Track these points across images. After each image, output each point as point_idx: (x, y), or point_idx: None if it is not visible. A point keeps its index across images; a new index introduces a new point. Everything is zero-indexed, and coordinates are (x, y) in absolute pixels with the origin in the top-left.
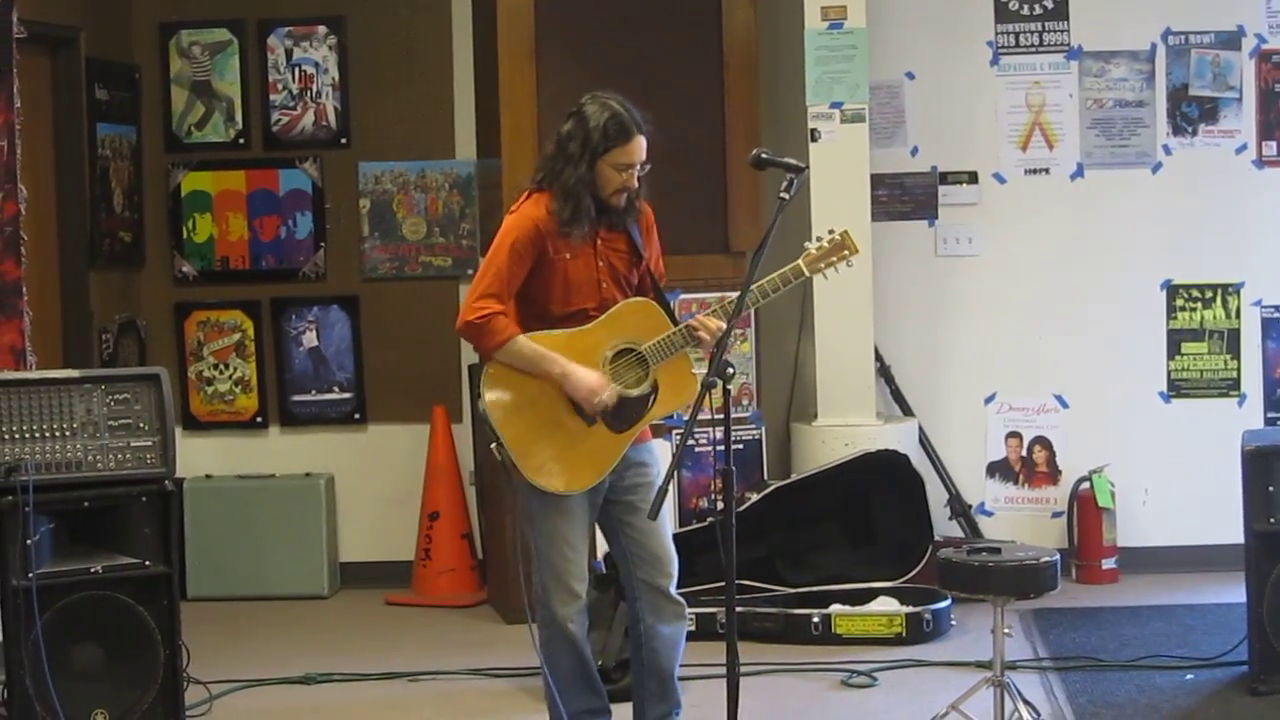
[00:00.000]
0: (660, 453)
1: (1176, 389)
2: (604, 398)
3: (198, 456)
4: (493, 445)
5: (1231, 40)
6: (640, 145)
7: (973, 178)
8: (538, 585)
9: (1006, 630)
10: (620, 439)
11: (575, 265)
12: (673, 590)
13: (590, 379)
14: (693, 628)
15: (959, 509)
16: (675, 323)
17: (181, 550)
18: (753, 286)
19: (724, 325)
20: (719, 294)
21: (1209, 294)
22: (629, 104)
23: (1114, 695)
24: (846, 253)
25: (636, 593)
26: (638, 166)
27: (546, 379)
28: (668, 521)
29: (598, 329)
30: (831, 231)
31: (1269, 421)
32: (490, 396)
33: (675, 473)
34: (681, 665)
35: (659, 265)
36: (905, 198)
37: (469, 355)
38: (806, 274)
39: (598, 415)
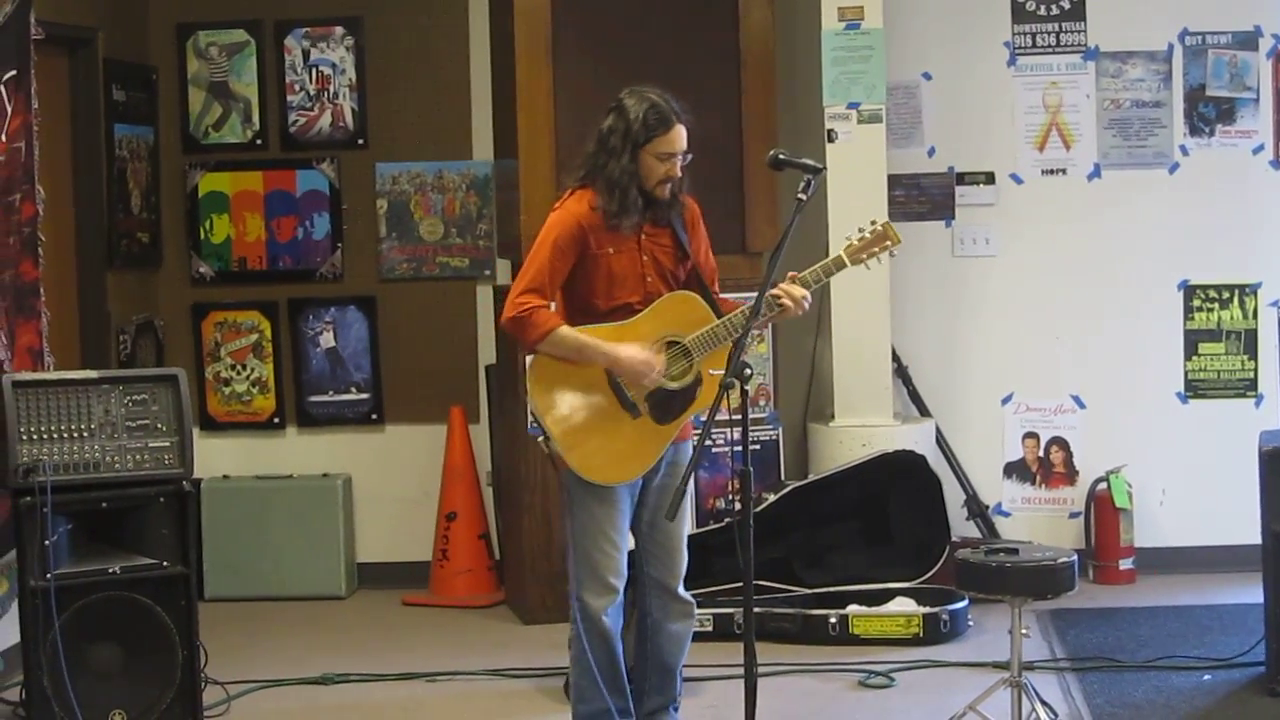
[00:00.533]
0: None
1: (1194, 389)
2: (656, 373)
3: (215, 457)
4: (540, 438)
5: (1249, 41)
6: (681, 134)
7: (990, 178)
8: (573, 579)
9: (1024, 631)
10: (665, 430)
11: (619, 260)
12: (681, 590)
13: (636, 355)
14: (710, 628)
15: (976, 509)
16: (719, 316)
17: (199, 551)
18: (797, 276)
19: (808, 294)
20: (736, 295)
21: (1226, 294)
22: (667, 94)
23: (1131, 696)
24: (889, 243)
25: (646, 588)
26: (680, 155)
27: (591, 366)
28: (686, 522)
29: (641, 322)
30: (874, 222)
31: None
32: (535, 389)
33: (693, 473)
34: (700, 666)
35: (709, 259)
36: (922, 198)
37: (486, 356)
38: (849, 264)
39: (643, 408)
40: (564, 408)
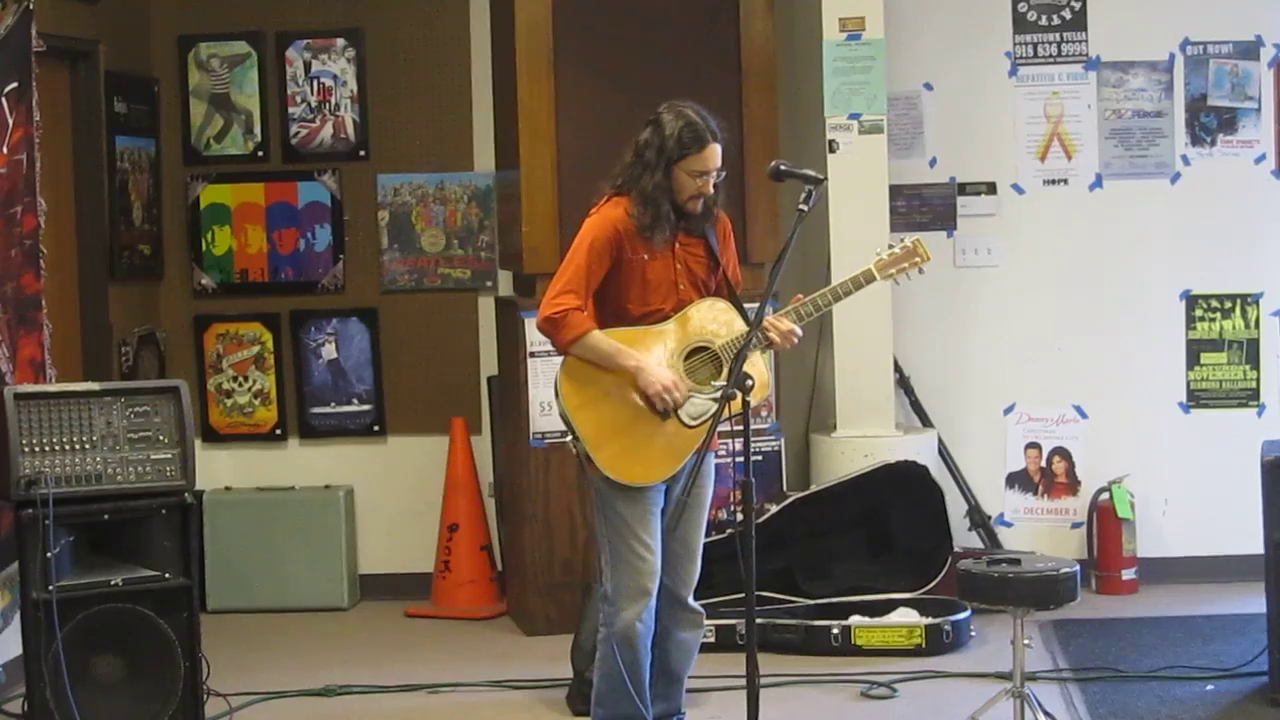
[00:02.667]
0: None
1: (1196, 399)
2: (676, 396)
3: (217, 469)
4: (569, 439)
5: (1250, 50)
6: (715, 152)
7: (991, 188)
8: (607, 583)
9: (1026, 641)
10: (694, 434)
11: (653, 266)
12: (691, 599)
13: (663, 376)
14: (712, 639)
15: (978, 520)
16: (749, 323)
17: (201, 562)
18: (825, 289)
19: (795, 328)
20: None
21: (1228, 304)
22: (704, 112)
23: (1134, 706)
24: (918, 260)
25: (658, 596)
26: (713, 173)
27: (621, 372)
28: (700, 533)
29: (673, 327)
30: (903, 239)
31: None
32: (565, 390)
33: (691, 483)
34: (703, 677)
35: (736, 272)
36: (924, 209)
37: (488, 367)
38: (878, 278)
39: (671, 411)
40: (593, 408)
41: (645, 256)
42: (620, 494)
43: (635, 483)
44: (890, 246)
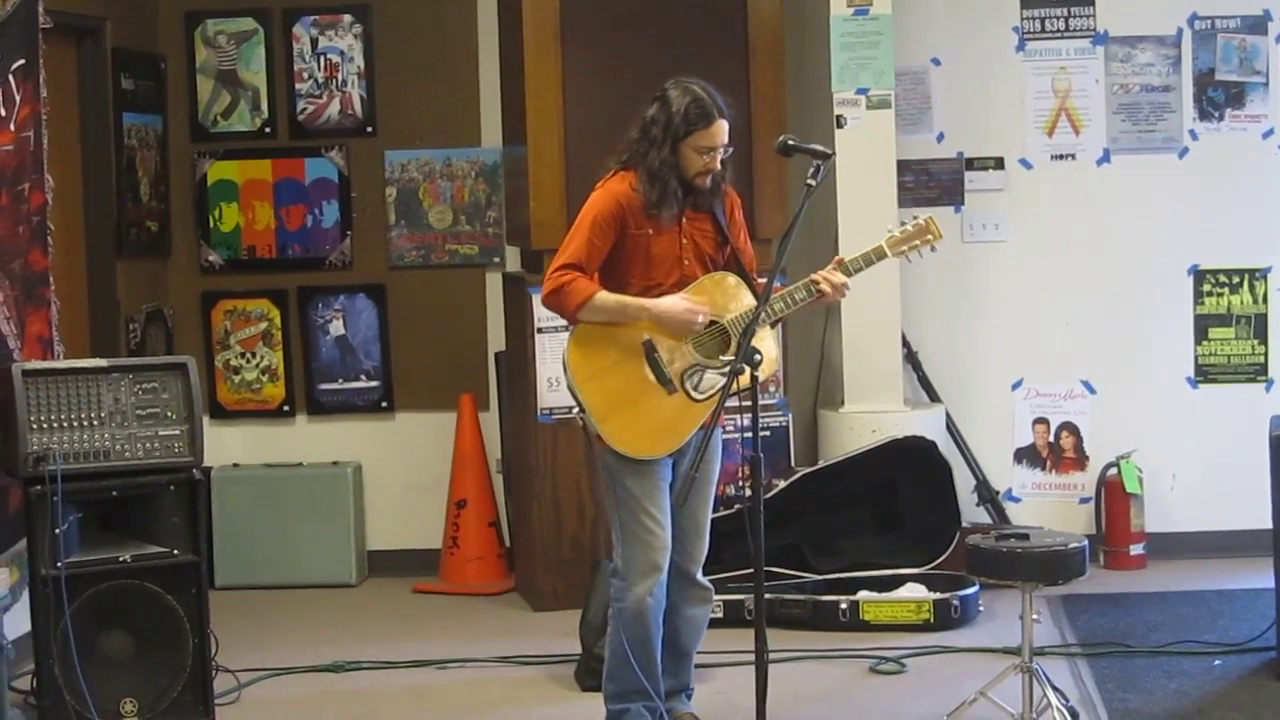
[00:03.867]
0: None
1: (1204, 374)
2: (701, 319)
3: (225, 445)
4: (576, 412)
5: (1258, 25)
6: (722, 129)
7: (999, 163)
8: (617, 558)
9: (1035, 616)
10: (701, 407)
11: (659, 241)
12: (700, 575)
13: (679, 303)
14: (721, 615)
15: (986, 495)
16: (758, 297)
17: (209, 539)
18: (843, 261)
19: (847, 281)
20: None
21: (1236, 279)
22: (711, 88)
23: (1142, 681)
24: (930, 238)
25: (668, 572)
26: (720, 149)
27: (629, 339)
28: (709, 508)
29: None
30: (916, 217)
31: None
32: (572, 362)
33: (699, 458)
34: (711, 652)
35: (747, 246)
36: (931, 184)
37: (496, 343)
38: (889, 255)
39: (679, 384)
40: (600, 381)
41: (650, 232)
42: (628, 468)
43: (641, 455)
44: (902, 223)
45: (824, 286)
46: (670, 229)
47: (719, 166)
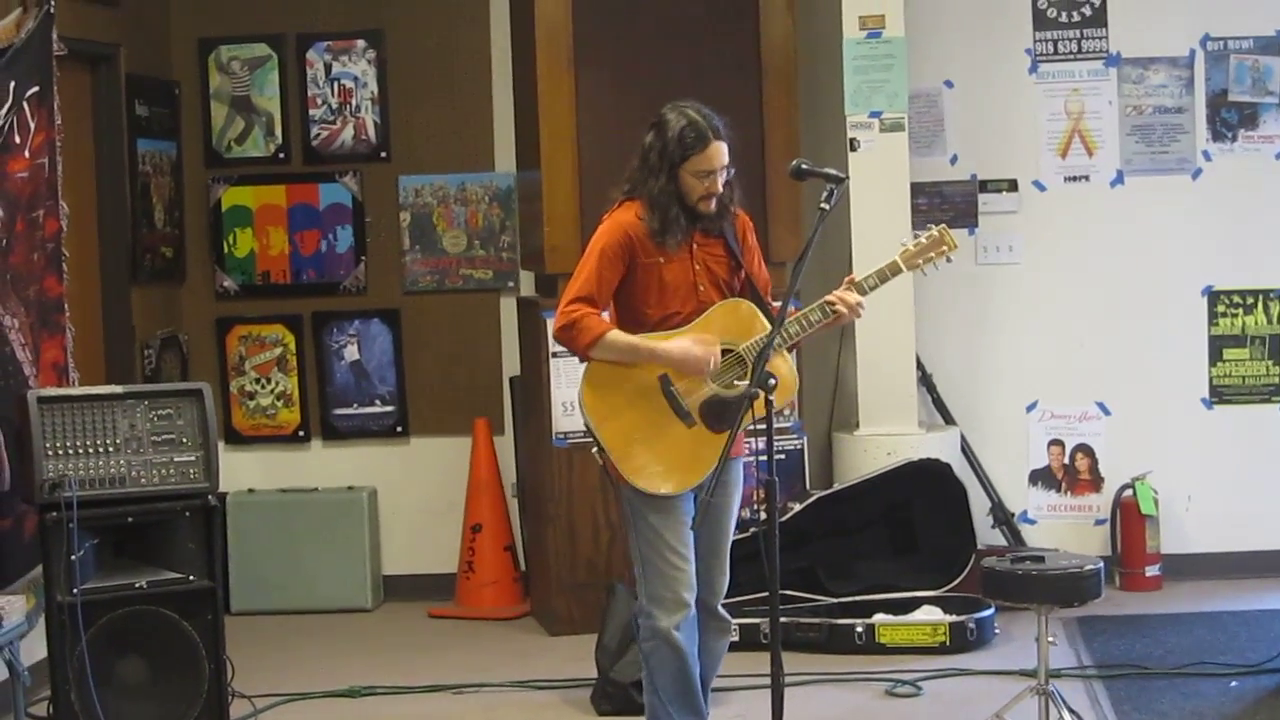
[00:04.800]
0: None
1: (1219, 395)
2: (714, 360)
3: (240, 471)
4: (594, 449)
5: (1271, 45)
6: (719, 151)
7: (1012, 186)
8: (642, 596)
9: (1050, 639)
10: (720, 438)
11: (670, 270)
12: (720, 608)
13: (691, 347)
14: (736, 638)
15: (1001, 517)
16: (773, 322)
17: (225, 564)
18: (855, 280)
19: (862, 300)
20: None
21: (1250, 299)
22: (707, 110)
23: (1159, 703)
24: (945, 248)
25: None
26: (720, 172)
27: (646, 370)
28: (728, 540)
29: (694, 330)
30: (929, 226)
31: None
32: (588, 402)
33: (713, 484)
34: (727, 676)
35: (762, 270)
36: (945, 206)
37: (510, 367)
38: (904, 269)
39: (697, 416)
40: (617, 420)
41: (661, 260)
42: (650, 504)
43: (664, 493)
44: (916, 236)
45: (839, 307)
46: (681, 256)
47: (720, 189)
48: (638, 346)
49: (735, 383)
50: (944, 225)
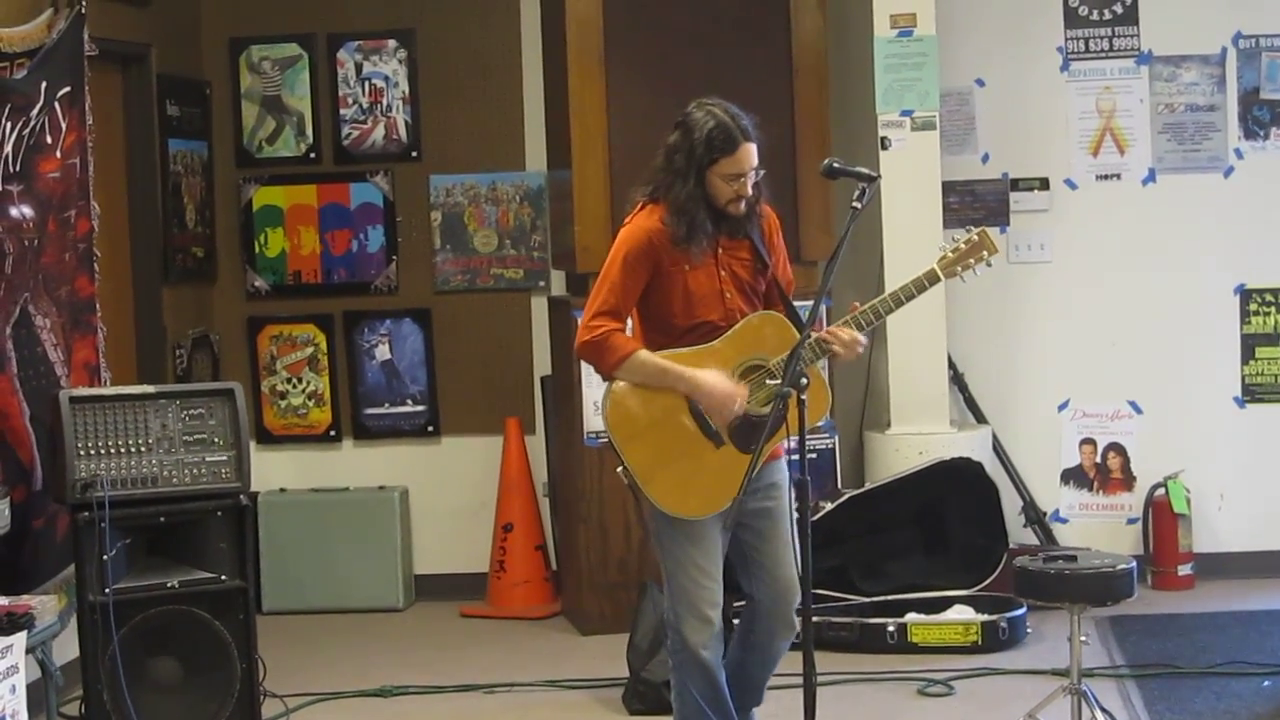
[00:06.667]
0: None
1: (1251, 394)
2: (737, 406)
3: (272, 470)
4: (619, 469)
5: None
6: (749, 153)
7: (1044, 184)
8: (669, 611)
9: (1083, 638)
10: (750, 458)
11: (696, 276)
12: (793, 616)
13: (720, 386)
14: None
15: (1033, 516)
16: (800, 326)
17: (256, 564)
18: (886, 294)
19: (858, 336)
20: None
21: None
22: (735, 109)
23: (1191, 702)
24: (985, 253)
25: (759, 610)
26: (749, 174)
27: (672, 393)
28: (788, 548)
29: (724, 346)
30: (969, 230)
31: None
32: (613, 419)
33: (746, 482)
34: None
35: (786, 272)
36: (977, 205)
37: (542, 367)
38: (942, 278)
39: (726, 435)
40: (644, 440)
41: (686, 267)
42: (675, 525)
43: (692, 516)
44: (955, 241)
45: (835, 346)
46: (706, 263)
47: (750, 192)
48: (667, 370)
49: (769, 400)
50: (984, 229)
